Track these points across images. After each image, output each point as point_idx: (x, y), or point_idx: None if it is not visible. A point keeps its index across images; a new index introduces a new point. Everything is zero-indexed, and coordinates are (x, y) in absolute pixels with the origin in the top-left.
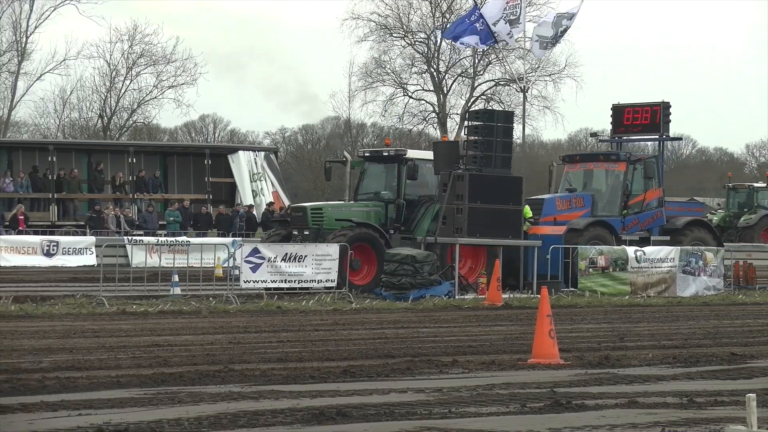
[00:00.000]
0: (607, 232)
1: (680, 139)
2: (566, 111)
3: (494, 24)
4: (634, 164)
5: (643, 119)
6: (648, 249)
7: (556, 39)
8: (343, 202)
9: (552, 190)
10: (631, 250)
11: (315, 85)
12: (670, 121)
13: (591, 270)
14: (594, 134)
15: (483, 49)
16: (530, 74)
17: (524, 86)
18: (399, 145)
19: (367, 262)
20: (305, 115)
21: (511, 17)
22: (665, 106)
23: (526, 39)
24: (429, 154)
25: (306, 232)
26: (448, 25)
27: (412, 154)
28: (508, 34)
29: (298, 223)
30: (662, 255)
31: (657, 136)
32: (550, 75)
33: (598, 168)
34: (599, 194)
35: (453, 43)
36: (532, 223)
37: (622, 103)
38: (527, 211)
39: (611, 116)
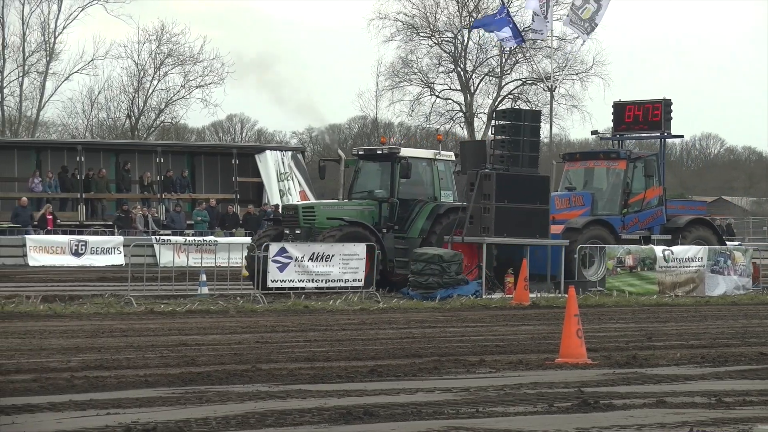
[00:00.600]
0: (606, 232)
1: (681, 136)
2: (594, 109)
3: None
4: (634, 162)
5: (644, 116)
6: (676, 248)
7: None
8: (336, 200)
9: (552, 189)
10: (659, 250)
11: (319, 95)
12: (671, 118)
13: (619, 269)
14: (595, 132)
15: (511, 48)
16: (557, 73)
17: (551, 85)
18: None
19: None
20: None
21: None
22: (666, 104)
23: (554, 38)
24: (424, 153)
25: (297, 231)
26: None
27: (406, 152)
28: (540, 31)
29: (289, 221)
30: (690, 254)
31: (658, 134)
32: (577, 74)
33: (599, 166)
34: (599, 193)
35: (484, 33)
36: None
37: (624, 100)
38: None
39: (612, 114)
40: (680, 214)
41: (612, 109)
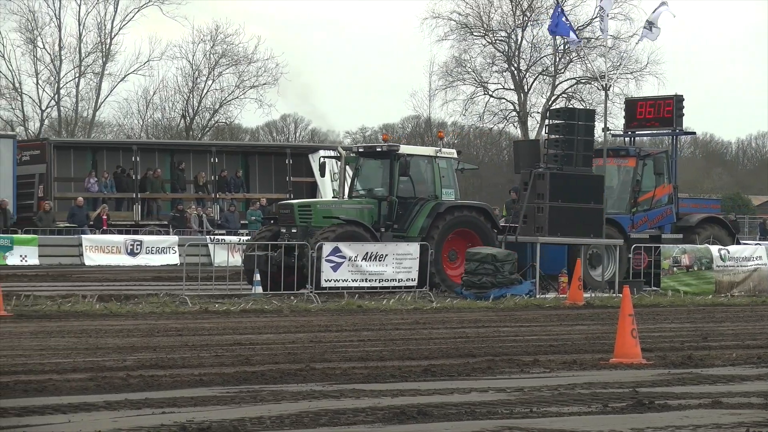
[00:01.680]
0: (615, 231)
1: (693, 133)
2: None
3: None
4: (643, 160)
5: (656, 113)
6: (732, 248)
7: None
8: (333, 199)
9: None
10: (714, 249)
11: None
12: (683, 114)
13: (675, 269)
14: (606, 129)
15: (568, 47)
16: (612, 72)
17: (606, 84)
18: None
19: None
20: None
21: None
22: (678, 100)
23: (608, 36)
24: (424, 150)
25: (293, 230)
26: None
27: (405, 149)
28: (601, 29)
29: (285, 220)
30: (747, 253)
31: (669, 131)
32: (631, 72)
33: (608, 164)
34: (609, 190)
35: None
36: None
37: (635, 97)
38: None
39: (624, 110)
40: (692, 213)
41: (624, 106)
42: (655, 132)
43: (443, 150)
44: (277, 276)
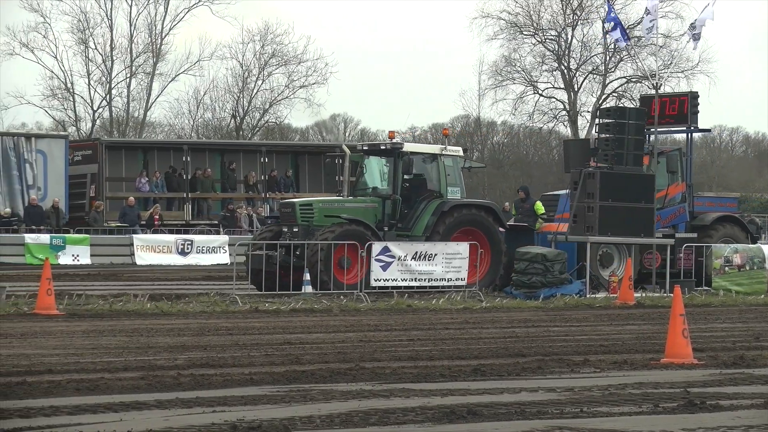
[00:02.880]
0: None
1: (709, 130)
2: (699, 107)
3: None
4: (656, 157)
5: (670, 110)
6: None
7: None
8: (335, 197)
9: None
10: (766, 248)
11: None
12: (698, 111)
13: (727, 268)
14: (655, 128)
15: (617, 46)
16: (662, 71)
17: (656, 83)
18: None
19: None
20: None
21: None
22: (693, 96)
23: (659, 35)
24: (429, 148)
25: (295, 229)
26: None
27: (409, 147)
28: (648, 29)
29: (287, 219)
30: None
31: (684, 128)
32: (682, 71)
33: None
34: None
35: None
36: (545, 219)
37: (650, 93)
38: (539, 207)
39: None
40: (708, 211)
41: (639, 103)
42: (669, 129)
43: (448, 148)
44: (283, 276)
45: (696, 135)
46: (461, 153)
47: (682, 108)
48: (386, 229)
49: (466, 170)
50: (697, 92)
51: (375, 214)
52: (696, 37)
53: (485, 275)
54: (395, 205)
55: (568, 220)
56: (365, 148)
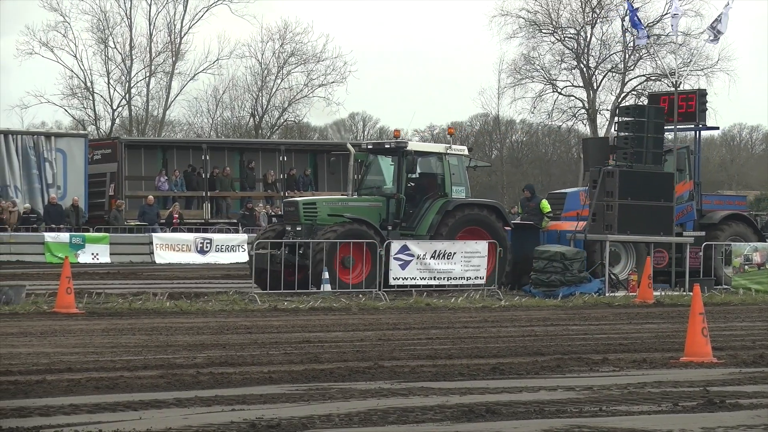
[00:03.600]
0: None
1: (717, 128)
2: (719, 105)
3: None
4: (664, 155)
5: (678, 108)
6: None
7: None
8: (339, 196)
9: (581, 184)
10: None
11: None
12: (706, 109)
13: (746, 267)
14: (676, 126)
15: (637, 44)
16: (682, 69)
17: (676, 81)
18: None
19: (363, 259)
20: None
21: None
22: (701, 94)
23: (678, 33)
24: (433, 147)
25: (298, 228)
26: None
27: (414, 146)
28: (673, 25)
29: (290, 218)
30: None
31: (693, 126)
32: (702, 69)
33: None
34: None
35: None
36: (551, 218)
37: (658, 92)
38: (545, 205)
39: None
40: (716, 210)
41: (646, 101)
42: (678, 127)
43: (453, 147)
44: (288, 275)
45: (715, 133)
46: (466, 152)
47: (689, 106)
48: (390, 228)
49: (472, 169)
50: (705, 90)
51: (379, 213)
52: (717, 34)
53: (490, 274)
54: (399, 204)
55: (573, 218)
56: (370, 147)
